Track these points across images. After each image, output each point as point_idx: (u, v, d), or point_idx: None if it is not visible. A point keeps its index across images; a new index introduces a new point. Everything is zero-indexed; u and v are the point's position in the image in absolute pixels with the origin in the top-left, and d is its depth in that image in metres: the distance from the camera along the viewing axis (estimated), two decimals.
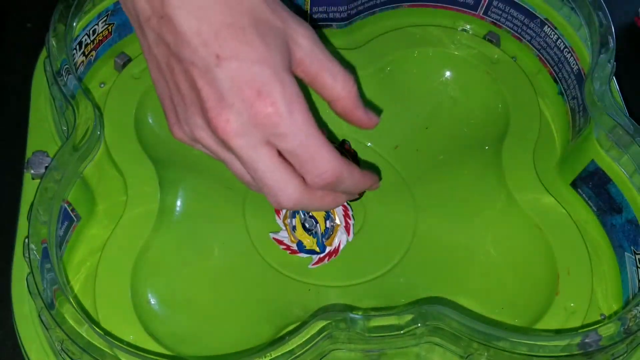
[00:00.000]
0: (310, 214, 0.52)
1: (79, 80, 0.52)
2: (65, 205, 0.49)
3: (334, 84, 0.40)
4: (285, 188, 0.40)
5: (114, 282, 0.48)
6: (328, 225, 0.53)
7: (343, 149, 0.57)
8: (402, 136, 0.61)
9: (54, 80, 0.51)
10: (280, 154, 0.39)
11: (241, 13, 0.37)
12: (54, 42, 0.52)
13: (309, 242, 0.53)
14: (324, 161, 0.39)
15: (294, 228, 0.53)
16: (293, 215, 0.53)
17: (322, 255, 0.53)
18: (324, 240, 0.53)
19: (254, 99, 0.37)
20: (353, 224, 0.54)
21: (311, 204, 0.41)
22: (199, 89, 0.37)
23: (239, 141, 0.38)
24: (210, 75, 0.37)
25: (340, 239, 0.53)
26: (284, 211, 0.52)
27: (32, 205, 0.46)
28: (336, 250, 0.53)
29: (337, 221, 0.53)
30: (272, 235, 0.54)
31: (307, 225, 0.53)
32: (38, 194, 0.46)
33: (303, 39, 0.39)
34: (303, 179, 0.40)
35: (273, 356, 0.42)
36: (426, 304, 0.44)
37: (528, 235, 0.54)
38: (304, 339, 0.43)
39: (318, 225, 0.52)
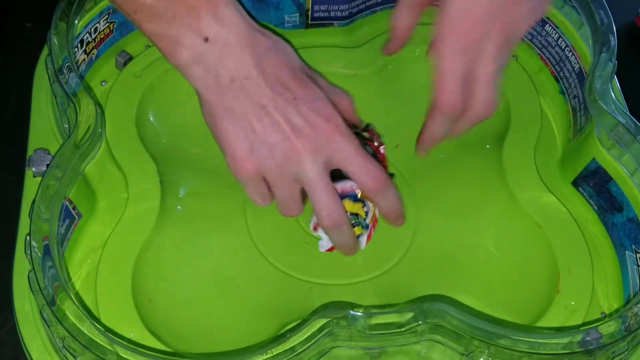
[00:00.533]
0: (349, 213, 0.52)
1: (81, 78, 0.52)
2: (67, 202, 0.49)
3: (341, 102, 0.52)
4: (335, 203, 0.48)
5: (115, 279, 0.48)
6: (367, 212, 0.53)
7: (364, 136, 0.56)
8: (403, 135, 0.61)
9: (56, 78, 0.51)
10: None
11: (299, 70, 0.48)
12: (55, 40, 0.52)
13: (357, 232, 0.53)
14: (374, 167, 0.48)
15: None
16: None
17: (368, 232, 0.54)
18: (368, 224, 0.53)
19: (325, 123, 0.47)
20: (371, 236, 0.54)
21: (342, 233, 0.50)
22: (282, 125, 0.46)
23: (312, 158, 0.47)
24: (290, 112, 0.46)
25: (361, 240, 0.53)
26: (313, 222, 0.54)
27: (33, 202, 0.46)
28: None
29: (367, 222, 0.53)
30: (322, 249, 0.54)
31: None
32: (39, 191, 0.46)
33: (322, 80, 0.51)
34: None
35: (274, 353, 0.42)
36: (427, 302, 0.44)
37: (529, 233, 0.54)
38: (305, 336, 0.43)
39: (359, 216, 0.52)
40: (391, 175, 0.56)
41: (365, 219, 0.53)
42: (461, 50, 0.48)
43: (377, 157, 0.55)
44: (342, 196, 0.50)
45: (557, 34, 0.60)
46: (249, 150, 0.46)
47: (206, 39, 0.45)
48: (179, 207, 0.55)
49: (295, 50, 0.50)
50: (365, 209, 0.52)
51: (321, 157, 0.46)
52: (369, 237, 0.54)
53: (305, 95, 0.47)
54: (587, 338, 0.43)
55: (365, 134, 0.56)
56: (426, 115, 0.52)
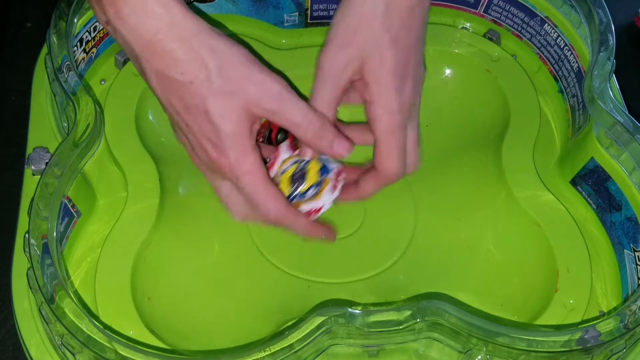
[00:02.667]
0: (304, 171, 0.50)
1: (80, 76, 0.52)
2: (66, 201, 0.49)
3: (296, 132, 0.46)
4: (236, 211, 0.48)
5: (114, 277, 0.48)
6: (310, 190, 0.50)
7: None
8: None
9: (55, 77, 0.51)
10: None
11: (203, 97, 0.43)
12: (54, 39, 0.52)
13: (285, 189, 0.50)
14: (266, 209, 0.46)
15: (283, 172, 0.49)
16: (291, 164, 0.50)
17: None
18: (296, 197, 0.49)
19: (214, 160, 0.45)
20: (342, 186, 0.50)
21: (289, 224, 0.48)
22: (184, 134, 0.46)
23: (206, 174, 0.47)
24: (185, 131, 0.45)
25: (324, 202, 0.50)
26: (285, 157, 0.50)
27: (32, 200, 0.46)
28: (316, 211, 0.50)
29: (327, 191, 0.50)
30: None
31: (295, 177, 0.50)
32: (38, 189, 0.46)
33: (263, 102, 0.44)
34: (285, 205, 0.47)
35: (273, 351, 0.42)
36: (425, 300, 0.44)
37: (528, 232, 0.54)
38: (303, 334, 0.43)
39: (303, 184, 0.50)
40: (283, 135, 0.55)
41: (302, 191, 0.50)
42: (401, 130, 0.47)
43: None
44: (316, 159, 0.49)
45: (556, 33, 0.60)
46: (187, 149, 0.47)
47: (107, 22, 0.43)
48: (178, 206, 0.55)
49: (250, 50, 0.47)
50: (315, 190, 0.50)
51: (216, 176, 0.47)
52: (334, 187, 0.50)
53: (195, 127, 0.44)
54: (586, 336, 0.43)
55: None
56: (360, 176, 0.50)
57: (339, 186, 0.49)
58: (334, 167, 0.49)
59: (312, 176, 0.49)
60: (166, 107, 0.45)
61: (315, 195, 0.49)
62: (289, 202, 0.49)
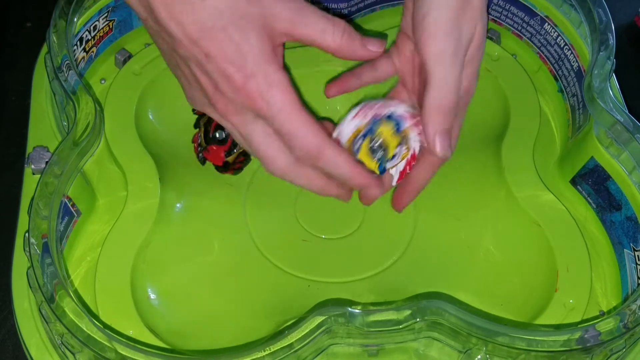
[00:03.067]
0: (381, 141, 0.47)
1: (80, 76, 0.52)
2: (66, 200, 0.49)
3: (324, 40, 0.43)
4: (274, 160, 0.44)
5: (114, 277, 0.48)
6: (397, 151, 0.47)
7: None
8: None
9: (55, 76, 0.51)
10: None
11: (220, 14, 0.40)
12: (54, 38, 0.52)
13: (371, 164, 0.47)
14: (304, 138, 0.42)
15: (358, 149, 0.47)
16: (362, 138, 0.47)
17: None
18: (387, 164, 0.47)
19: (241, 87, 0.41)
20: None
21: (297, 178, 0.45)
22: (198, 78, 0.43)
23: (235, 119, 0.43)
24: (203, 68, 0.42)
25: (413, 146, 0.47)
26: (349, 134, 0.47)
27: (32, 199, 0.46)
28: (413, 157, 0.48)
29: (410, 145, 0.47)
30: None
31: (374, 148, 0.47)
32: (38, 188, 0.46)
33: (282, 13, 0.42)
34: (292, 156, 0.44)
35: (272, 350, 0.42)
36: (425, 300, 0.44)
37: (527, 232, 0.54)
38: (303, 334, 0.43)
39: (386, 151, 0.47)
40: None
41: (389, 157, 0.47)
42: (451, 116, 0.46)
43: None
44: (380, 118, 0.47)
45: (556, 33, 0.60)
46: (190, 94, 0.46)
47: None
48: (177, 205, 0.55)
49: None
50: (402, 146, 0.47)
51: (245, 117, 0.43)
52: (401, 174, 0.48)
53: (218, 51, 0.41)
54: (585, 336, 0.43)
55: None
56: (408, 170, 0.48)
57: (418, 122, 0.47)
58: (402, 114, 0.46)
59: (390, 138, 0.47)
60: (178, 41, 0.41)
61: (405, 151, 0.47)
62: (381, 174, 0.47)
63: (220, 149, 0.55)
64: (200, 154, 0.57)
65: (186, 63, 0.43)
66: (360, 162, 0.47)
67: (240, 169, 0.57)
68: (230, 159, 0.56)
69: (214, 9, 0.40)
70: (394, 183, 0.49)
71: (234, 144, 0.55)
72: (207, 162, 0.57)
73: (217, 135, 0.55)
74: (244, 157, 0.57)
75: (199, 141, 0.56)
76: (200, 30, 0.40)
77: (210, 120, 0.56)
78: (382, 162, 0.47)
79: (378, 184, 0.47)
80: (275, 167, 0.44)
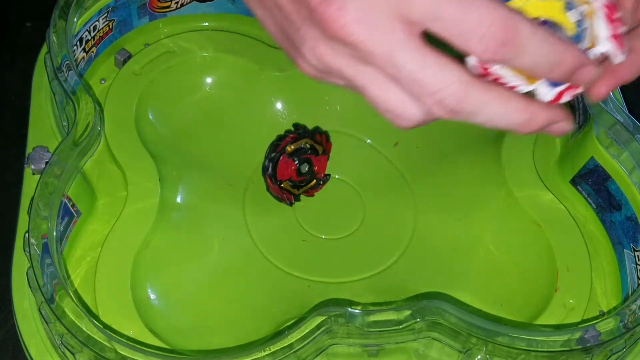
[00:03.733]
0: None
1: (80, 76, 0.52)
2: (66, 200, 0.49)
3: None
4: (445, 84, 0.30)
5: (114, 277, 0.48)
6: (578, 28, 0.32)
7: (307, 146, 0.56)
8: (402, 133, 0.61)
9: (55, 76, 0.51)
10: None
11: None
12: (54, 38, 0.52)
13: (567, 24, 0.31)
14: (485, 14, 0.29)
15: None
16: None
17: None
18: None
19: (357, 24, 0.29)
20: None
21: (480, 106, 0.30)
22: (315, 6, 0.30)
23: (361, 30, 0.29)
24: None
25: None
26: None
27: (32, 200, 0.46)
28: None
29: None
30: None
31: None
32: (38, 188, 0.46)
33: None
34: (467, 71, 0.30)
35: (272, 350, 0.42)
36: (425, 300, 0.44)
37: (527, 231, 0.54)
38: (303, 334, 0.43)
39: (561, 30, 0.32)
40: (325, 177, 0.56)
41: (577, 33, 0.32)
42: None
43: (313, 170, 0.54)
44: None
45: None
46: (287, 40, 0.34)
47: None
48: (178, 205, 0.55)
49: None
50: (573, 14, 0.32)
51: (387, 14, 0.30)
52: (619, 45, 0.33)
53: None
54: (586, 336, 0.43)
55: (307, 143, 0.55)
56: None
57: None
58: None
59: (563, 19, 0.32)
60: None
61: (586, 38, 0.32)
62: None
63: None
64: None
65: None
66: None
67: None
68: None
69: None
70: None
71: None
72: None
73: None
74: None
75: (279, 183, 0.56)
76: None
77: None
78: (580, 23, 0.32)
79: (595, 64, 0.32)
80: (449, 93, 0.30)
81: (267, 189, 0.56)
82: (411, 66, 0.30)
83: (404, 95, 0.31)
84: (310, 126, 0.60)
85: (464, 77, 0.30)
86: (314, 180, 0.56)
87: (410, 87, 0.30)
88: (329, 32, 0.30)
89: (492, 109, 0.31)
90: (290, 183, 0.56)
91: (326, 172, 0.58)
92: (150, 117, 0.57)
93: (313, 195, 0.58)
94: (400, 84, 0.30)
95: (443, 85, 0.30)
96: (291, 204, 0.56)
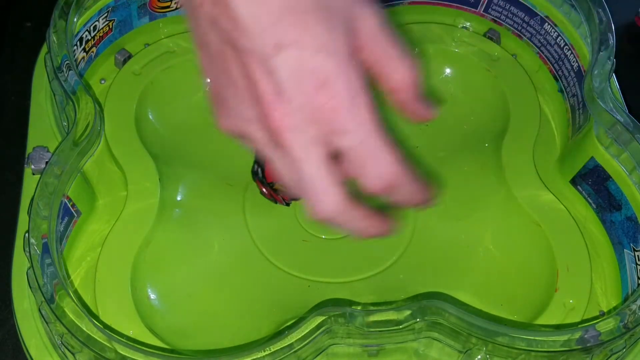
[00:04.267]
0: None
1: (80, 76, 0.52)
2: (66, 200, 0.49)
3: (394, 74, 0.36)
4: (325, 197, 0.35)
5: (114, 277, 0.48)
6: None
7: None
8: (402, 133, 0.61)
9: (55, 76, 0.51)
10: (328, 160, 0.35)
11: None
12: (54, 38, 0.52)
13: None
14: (385, 162, 0.35)
15: None
16: None
17: None
18: None
19: (316, 91, 0.33)
20: None
21: (346, 222, 0.37)
22: (256, 81, 0.34)
23: (291, 137, 0.34)
24: (268, 65, 0.33)
25: None
26: None
27: (32, 200, 0.46)
28: None
29: None
30: None
31: None
32: (38, 188, 0.46)
33: (367, 21, 0.35)
34: (345, 194, 0.36)
35: (272, 350, 0.42)
36: (425, 299, 0.44)
37: (527, 231, 0.54)
38: (303, 334, 0.43)
39: None
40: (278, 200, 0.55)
41: None
42: None
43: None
44: None
45: (555, 33, 0.60)
46: (223, 104, 0.36)
47: None
48: (177, 205, 0.55)
49: None
50: None
51: (305, 135, 0.34)
52: None
53: (297, 41, 0.33)
54: (585, 336, 0.43)
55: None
56: None
57: None
58: None
59: None
60: (243, 29, 0.33)
61: None
62: None
63: None
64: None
65: (242, 62, 0.34)
66: None
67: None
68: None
69: None
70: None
71: None
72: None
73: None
74: None
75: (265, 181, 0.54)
76: (277, 15, 0.33)
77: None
78: None
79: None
80: (323, 206, 0.36)
81: (261, 192, 0.55)
82: (309, 174, 0.35)
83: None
84: None
85: (338, 198, 0.36)
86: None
87: (299, 186, 0.36)
88: (266, 125, 0.34)
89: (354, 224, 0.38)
90: (282, 184, 0.55)
91: None
92: (150, 117, 0.57)
93: (288, 204, 0.57)
94: (295, 179, 0.36)
95: (320, 194, 0.35)
96: (288, 205, 0.56)
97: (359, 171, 0.35)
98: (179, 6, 0.60)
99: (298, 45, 0.33)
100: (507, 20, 0.63)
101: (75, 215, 0.50)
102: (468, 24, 0.64)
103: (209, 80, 0.37)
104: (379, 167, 0.35)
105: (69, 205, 0.49)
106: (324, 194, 0.35)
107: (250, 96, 0.34)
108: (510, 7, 0.62)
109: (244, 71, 0.34)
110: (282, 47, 0.33)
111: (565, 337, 0.43)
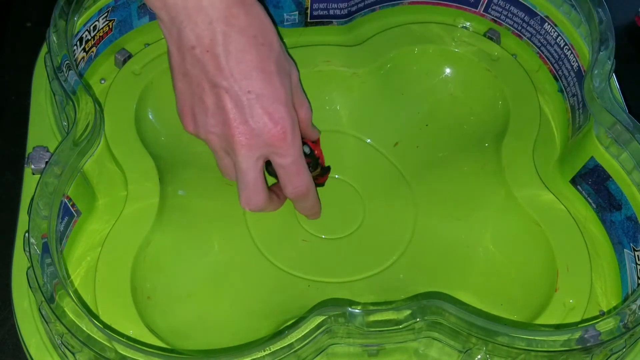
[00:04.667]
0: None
1: (80, 75, 0.52)
2: (66, 200, 0.49)
3: (299, 110, 0.52)
4: (257, 196, 0.51)
5: (114, 276, 0.48)
6: None
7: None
8: (402, 133, 0.61)
9: (55, 76, 0.51)
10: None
11: (269, 60, 0.48)
12: (54, 38, 0.52)
13: None
14: (303, 178, 0.51)
15: None
16: None
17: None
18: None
19: (272, 127, 0.48)
20: None
21: (264, 210, 0.53)
22: (228, 110, 0.47)
23: (246, 152, 0.48)
24: (240, 102, 0.47)
25: None
26: None
27: (32, 200, 0.46)
28: None
29: None
30: None
31: None
32: (38, 188, 0.46)
33: (295, 77, 0.52)
34: (269, 192, 0.53)
35: (272, 350, 0.42)
36: (425, 299, 0.44)
37: (527, 231, 0.54)
38: (303, 333, 0.43)
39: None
40: (327, 168, 0.57)
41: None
42: None
43: (314, 154, 0.55)
44: None
45: (555, 33, 0.60)
46: (192, 116, 0.49)
47: None
48: (178, 205, 0.55)
49: (280, 37, 0.51)
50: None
51: (256, 153, 0.49)
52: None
53: (263, 91, 0.47)
54: (585, 335, 0.43)
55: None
56: None
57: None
58: None
59: None
60: (221, 71, 0.47)
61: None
62: None
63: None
64: None
65: (217, 94, 0.47)
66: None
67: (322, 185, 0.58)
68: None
69: (266, 57, 0.47)
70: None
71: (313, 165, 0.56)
72: None
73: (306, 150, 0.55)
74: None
75: None
76: (251, 71, 0.47)
77: None
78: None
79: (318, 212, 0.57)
80: (255, 202, 0.51)
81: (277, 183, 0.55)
82: (249, 180, 0.51)
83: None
84: None
85: (266, 197, 0.53)
86: (319, 168, 0.56)
87: (239, 184, 0.52)
88: (227, 139, 0.49)
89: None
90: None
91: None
92: (151, 116, 0.57)
93: (323, 184, 0.57)
94: (237, 178, 0.51)
95: (253, 194, 0.52)
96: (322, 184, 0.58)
97: (285, 181, 0.51)
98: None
99: (264, 95, 0.47)
100: (507, 20, 0.63)
101: (75, 215, 0.50)
102: (468, 23, 0.64)
103: (179, 96, 0.50)
104: (298, 180, 0.51)
105: (69, 205, 0.49)
106: (256, 194, 0.51)
107: (217, 117, 0.48)
108: (510, 7, 0.62)
109: (216, 100, 0.47)
110: (252, 93, 0.47)
111: (565, 337, 0.43)
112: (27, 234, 0.45)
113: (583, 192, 0.55)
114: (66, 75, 0.51)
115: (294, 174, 0.51)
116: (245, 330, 0.50)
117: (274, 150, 0.49)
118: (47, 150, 0.53)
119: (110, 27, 0.58)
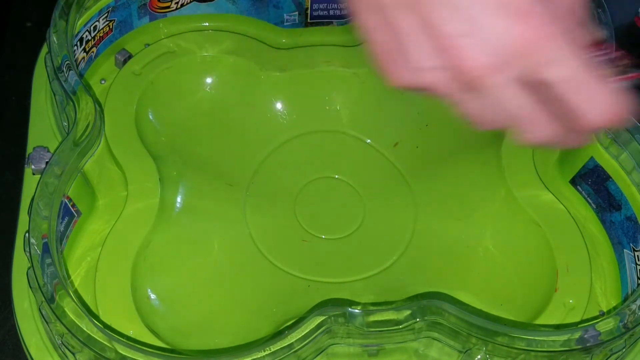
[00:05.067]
0: None
1: (80, 76, 0.52)
2: (66, 200, 0.49)
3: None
4: (540, 126, 0.33)
5: (115, 276, 0.48)
6: None
7: None
8: (401, 133, 0.61)
9: (55, 76, 0.51)
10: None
11: None
12: (54, 38, 0.52)
13: None
14: (605, 96, 0.31)
15: None
16: None
17: None
18: None
19: (513, 22, 0.30)
20: None
21: (563, 144, 0.34)
22: (442, 25, 0.31)
23: (493, 78, 0.31)
24: (451, 4, 0.30)
25: None
26: None
27: (32, 200, 0.46)
28: None
29: None
30: None
31: None
32: (39, 188, 0.46)
33: None
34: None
35: (272, 350, 0.42)
36: (425, 299, 0.44)
37: (527, 231, 0.54)
38: (303, 334, 0.43)
39: None
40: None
41: None
42: None
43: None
44: None
45: None
46: (393, 56, 0.34)
47: None
48: (177, 205, 0.55)
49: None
50: None
51: (508, 73, 0.31)
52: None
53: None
54: (585, 335, 0.43)
55: None
56: None
57: None
58: None
59: None
60: None
61: None
62: None
63: None
64: None
65: (422, 15, 0.31)
66: None
67: None
68: None
69: None
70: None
71: None
72: None
73: None
74: None
75: None
76: None
77: None
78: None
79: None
80: (543, 133, 0.33)
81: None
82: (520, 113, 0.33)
83: None
84: (310, 127, 0.60)
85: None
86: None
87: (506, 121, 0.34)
88: (455, 68, 0.32)
89: None
90: None
91: (325, 174, 0.59)
92: (150, 117, 0.57)
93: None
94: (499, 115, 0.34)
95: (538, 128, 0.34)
96: None
97: (574, 103, 0.31)
98: (179, 6, 0.60)
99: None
100: None
101: (76, 215, 0.50)
102: None
103: (375, 41, 0.35)
104: (599, 102, 0.31)
105: (69, 205, 0.49)
106: (538, 123, 0.33)
107: (431, 45, 0.32)
108: None
109: (425, 22, 0.31)
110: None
111: (565, 337, 0.43)
112: (27, 234, 0.45)
113: (583, 192, 0.55)
114: (66, 75, 0.51)
115: (586, 89, 0.32)
116: (245, 330, 0.50)
117: (538, 61, 0.31)
118: (48, 151, 0.53)
119: (111, 27, 0.58)
